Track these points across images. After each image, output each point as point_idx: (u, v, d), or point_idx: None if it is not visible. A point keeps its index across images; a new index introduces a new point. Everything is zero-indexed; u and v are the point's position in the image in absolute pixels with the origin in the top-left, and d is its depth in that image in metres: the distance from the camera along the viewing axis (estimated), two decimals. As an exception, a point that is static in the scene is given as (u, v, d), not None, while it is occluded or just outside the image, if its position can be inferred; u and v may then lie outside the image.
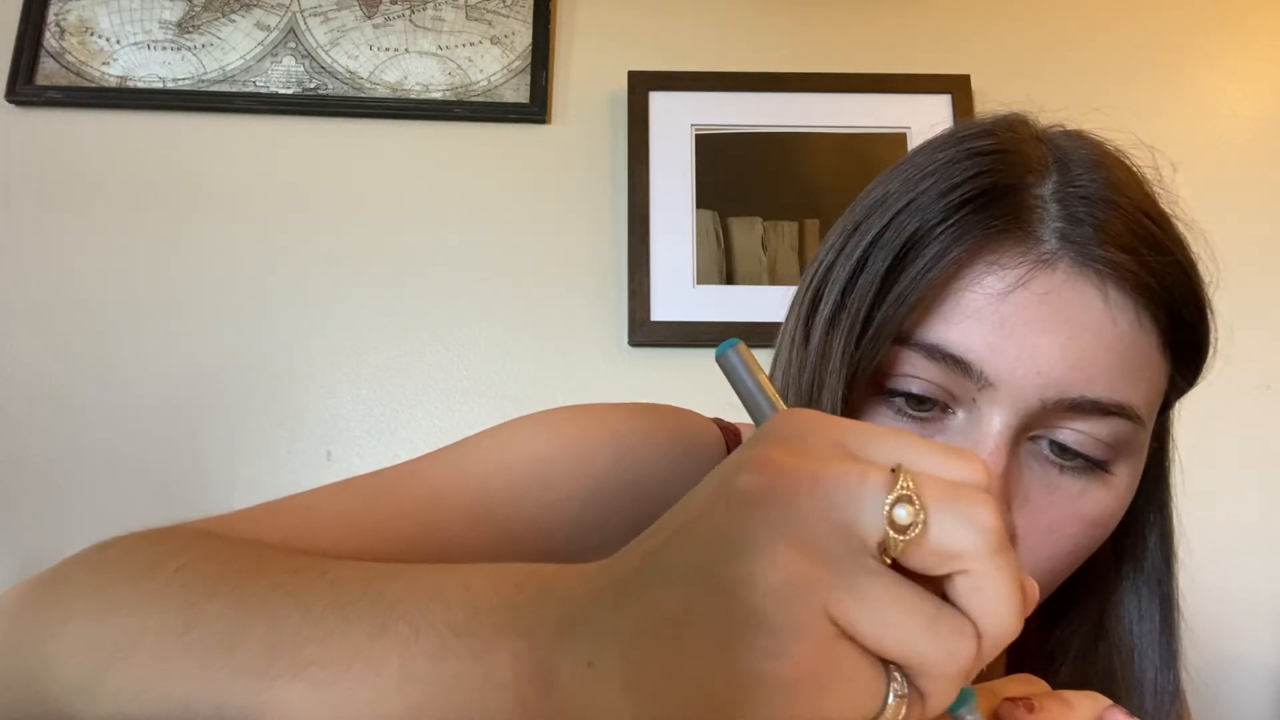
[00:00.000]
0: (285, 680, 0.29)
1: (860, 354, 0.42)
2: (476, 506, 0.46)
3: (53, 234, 1.28)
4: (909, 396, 0.42)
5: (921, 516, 0.24)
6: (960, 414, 0.42)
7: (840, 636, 0.23)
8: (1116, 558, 0.50)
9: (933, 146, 0.46)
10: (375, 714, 0.28)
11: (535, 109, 1.34)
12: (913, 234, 0.42)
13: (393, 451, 1.24)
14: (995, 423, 0.40)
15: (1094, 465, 0.42)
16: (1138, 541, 0.50)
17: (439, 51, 1.37)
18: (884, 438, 0.26)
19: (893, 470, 0.24)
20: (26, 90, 1.30)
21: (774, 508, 0.24)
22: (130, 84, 1.32)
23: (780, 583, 0.23)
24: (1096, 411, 0.41)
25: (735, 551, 0.24)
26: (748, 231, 1.31)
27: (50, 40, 1.32)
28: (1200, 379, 0.47)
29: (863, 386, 0.43)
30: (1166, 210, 0.45)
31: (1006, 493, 0.41)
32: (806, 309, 0.47)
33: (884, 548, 0.24)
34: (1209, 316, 0.45)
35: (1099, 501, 0.43)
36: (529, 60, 1.36)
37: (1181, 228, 0.45)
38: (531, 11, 1.37)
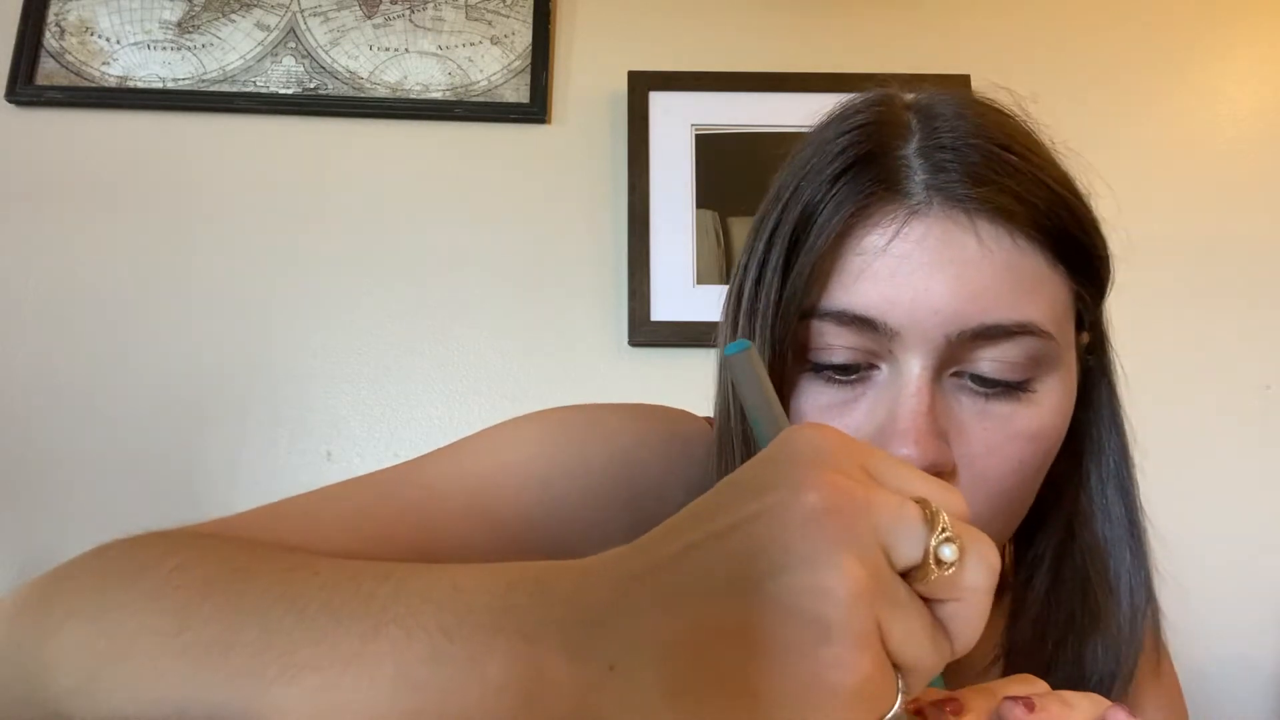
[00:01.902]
0: (280, 685, 0.29)
1: (776, 334, 0.45)
2: (475, 507, 0.46)
3: (52, 234, 1.28)
4: (834, 367, 0.45)
5: (959, 556, 0.27)
6: (883, 368, 0.45)
7: (881, 646, 0.25)
8: (1077, 468, 0.52)
9: (812, 133, 0.50)
10: (371, 718, 0.28)
11: (535, 109, 1.34)
12: (800, 215, 0.45)
13: (393, 451, 1.24)
14: (913, 367, 0.43)
15: (1016, 387, 0.45)
16: (1095, 446, 0.53)
17: (439, 51, 1.37)
18: (896, 466, 0.29)
19: (918, 502, 0.27)
20: (26, 90, 1.30)
21: (838, 526, 0.25)
22: (130, 84, 1.32)
23: (848, 595, 0.24)
24: (1002, 335, 0.43)
25: (798, 563, 0.25)
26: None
27: (50, 40, 1.32)
28: (1108, 286, 0.49)
29: (790, 362, 0.46)
30: (1029, 140, 0.48)
31: (937, 427, 0.43)
32: (732, 306, 0.50)
33: (915, 574, 0.27)
34: (1091, 224, 0.47)
35: (1031, 418, 0.45)
36: (529, 60, 1.36)
37: (1050, 151, 0.48)
38: (531, 11, 1.37)
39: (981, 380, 0.44)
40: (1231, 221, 1.35)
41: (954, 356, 0.44)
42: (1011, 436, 0.45)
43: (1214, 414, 1.26)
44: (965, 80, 1.34)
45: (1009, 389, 0.45)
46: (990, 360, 0.44)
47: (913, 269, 0.43)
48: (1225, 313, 1.32)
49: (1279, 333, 1.32)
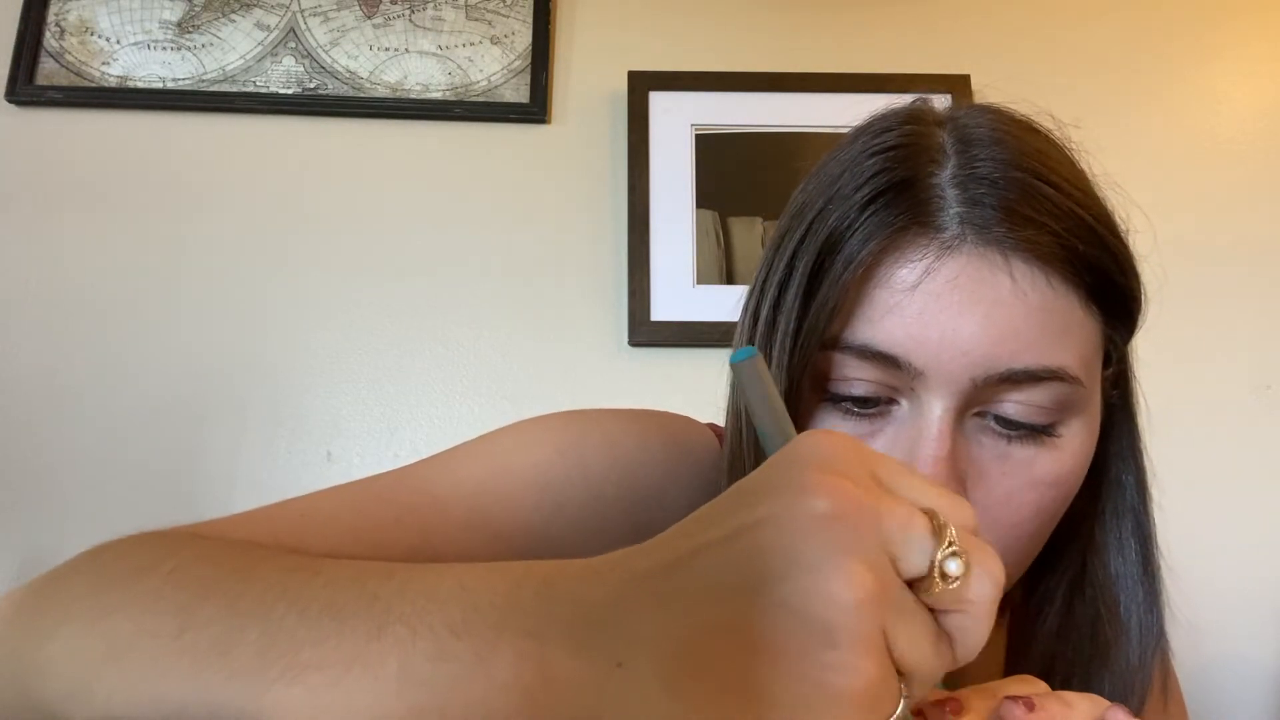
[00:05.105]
0: (283, 685, 0.29)
1: (795, 363, 0.44)
2: (474, 512, 0.46)
3: (52, 234, 1.28)
4: (853, 399, 0.44)
5: (965, 571, 0.27)
6: (904, 403, 0.44)
7: (886, 651, 0.25)
8: (1094, 503, 0.51)
9: (840, 148, 0.48)
10: (375, 717, 0.28)
11: (535, 109, 1.34)
12: (825, 240, 0.44)
13: (393, 451, 1.24)
14: (935, 408, 0.42)
15: (1040, 431, 0.44)
16: (1114, 485, 0.51)
17: (439, 51, 1.37)
18: (906, 475, 0.29)
19: (925, 513, 0.27)
20: (26, 90, 1.30)
21: (846, 532, 0.25)
22: (130, 84, 1.32)
23: (854, 600, 0.24)
24: (1029, 380, 0.42)
25: (804, 568, 0.25)
26: (748, 231, 1.31)
27: (50, 40, 1.32)
28: (1139, 326, 0.48)
29: (807, 391, 0.45)
30: (1071, 172, 0.46)
31: (958, 471, 0.42)
32: (749, 323, 0.48)
33: (920, 584, 0.27)
34: (1129, 265, 0.45)
35: (1052, 463, 0.44)
36: (529, 60, 1.36)
37: (1089, 183, 0.46)
38: (531, 11, 1.37)
39: (1005, 422, 0.43)
40: (1231, 221, 1.35)
41: (978, 398, 0.42)
42: (1032, 483, 0.44)
43: (1214, 413, 1.26)
44: (965, 80, 1.34)
45: (1032, 432, 0.43)
46: (1015, 403, 0.43)
47: (942, 308, 0.41)
48: (1225, 312, 1.32)
49: (1279, 333, 1.32)
